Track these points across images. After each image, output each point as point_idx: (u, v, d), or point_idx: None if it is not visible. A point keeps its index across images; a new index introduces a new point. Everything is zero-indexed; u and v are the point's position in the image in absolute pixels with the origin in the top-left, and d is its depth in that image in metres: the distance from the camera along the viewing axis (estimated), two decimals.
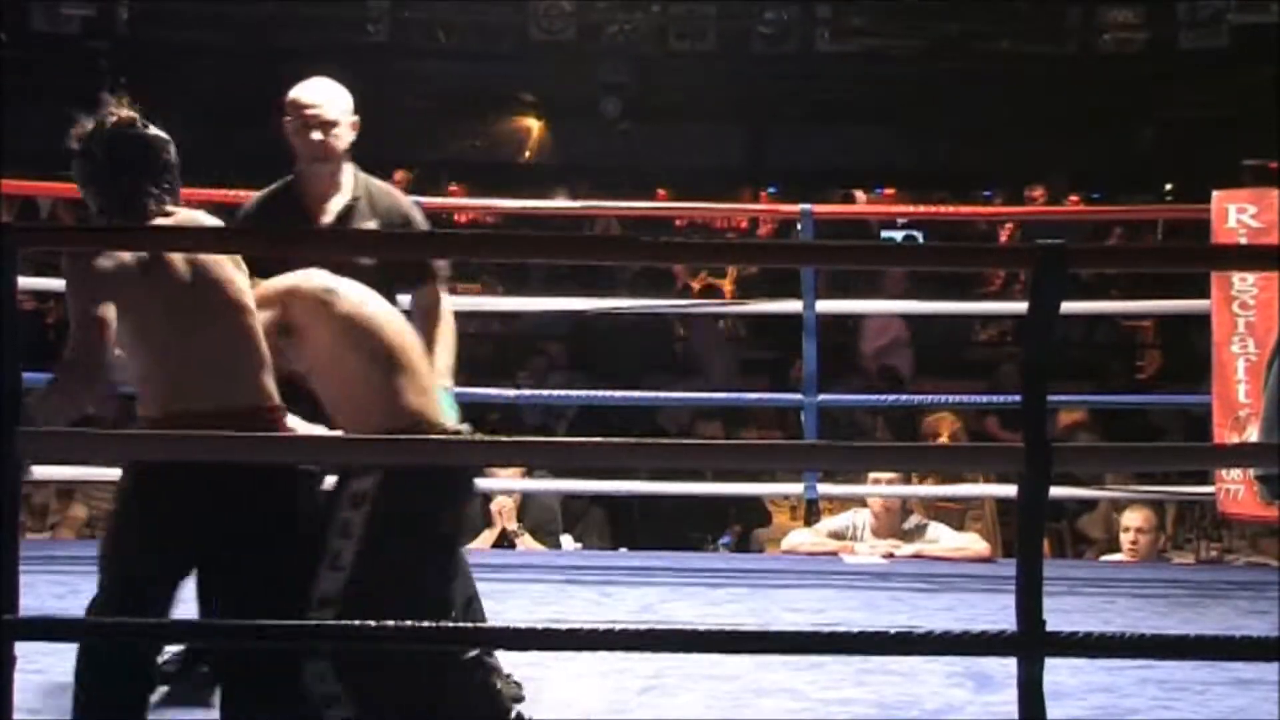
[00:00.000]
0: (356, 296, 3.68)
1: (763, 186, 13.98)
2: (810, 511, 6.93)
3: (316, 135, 4.40)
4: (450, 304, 4.54)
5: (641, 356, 9.53)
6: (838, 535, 6.68)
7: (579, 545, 7.44)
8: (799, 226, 6.93)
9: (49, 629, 3.47)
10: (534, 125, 14.47)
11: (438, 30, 12.00)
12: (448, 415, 4.03)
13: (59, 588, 5.53)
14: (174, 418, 3.47)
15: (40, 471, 6.08)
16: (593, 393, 7.81)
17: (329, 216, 4.43)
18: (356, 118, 4.48)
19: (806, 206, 6.88)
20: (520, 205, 8.45)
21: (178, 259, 3.53)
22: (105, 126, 3.65)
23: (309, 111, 4.41)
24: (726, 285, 11.34)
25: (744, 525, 7.87)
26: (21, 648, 3.09)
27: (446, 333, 4.47)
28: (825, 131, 13.45)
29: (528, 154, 14.52)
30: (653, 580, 6.12)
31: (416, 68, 12.41)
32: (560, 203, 9.86)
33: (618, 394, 7.42)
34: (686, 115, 13.52)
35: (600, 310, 7.82)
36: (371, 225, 4.44)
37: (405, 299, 4.38)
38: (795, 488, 6.95)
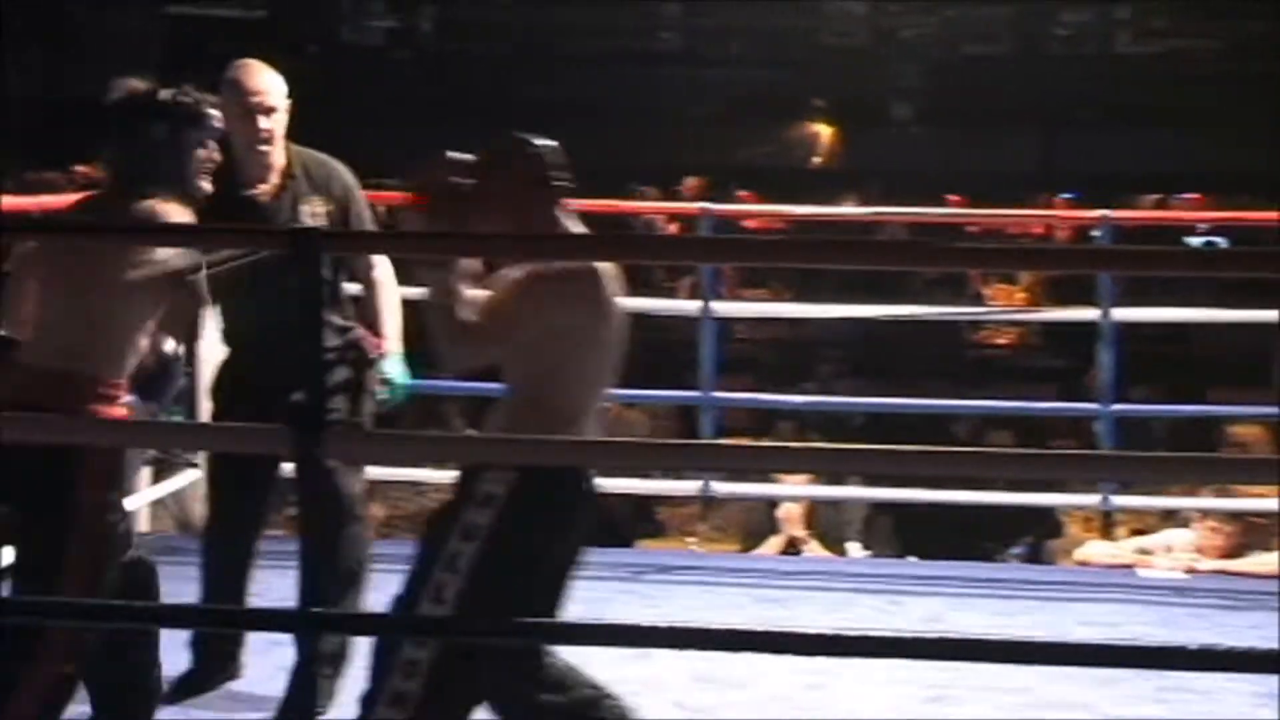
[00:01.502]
0: None
1: (1058, 191, 13.72)
2: (1106, 523, 6.78)
3: (262, 120, 4.45)
4: (390, 269, 4.61)
5: (933, 363, 9.44)
6: (1146, 551, 6.50)
7: (867, 553, 7.39)
8: (1097, 233, 6.79)
9: (351, 623, 3.57)
10: (824, 131, 14.44)
11: (729, 36, 12.05)
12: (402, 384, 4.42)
13: None
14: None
15: None
16: (881, 400, 7.75)
17: (265, 196, 4.49)
18: (290, 100, 4.52)
19: (1106, 212, 6.74)
20: (809, 211, 8.42)
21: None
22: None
23: (253, 99, 4.45)
24: (1020, 292, 11.16)
25: (1036, 535, 7.73)
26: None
27: (390, 299, 4.58)
28: (1124, 134, 13.14)
29: (818, 159, 14.50)
30: (941, 589, 6.05)
31: (707, 74, 12.49)
32: (849, 209, 9.81)
33: (906, 401, 7.36)
34: (979, 119, 13.35)
35: (890, 317, 7.76)
36: (314, 200, 4.50)
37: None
38: (1091, 499, 6.81)
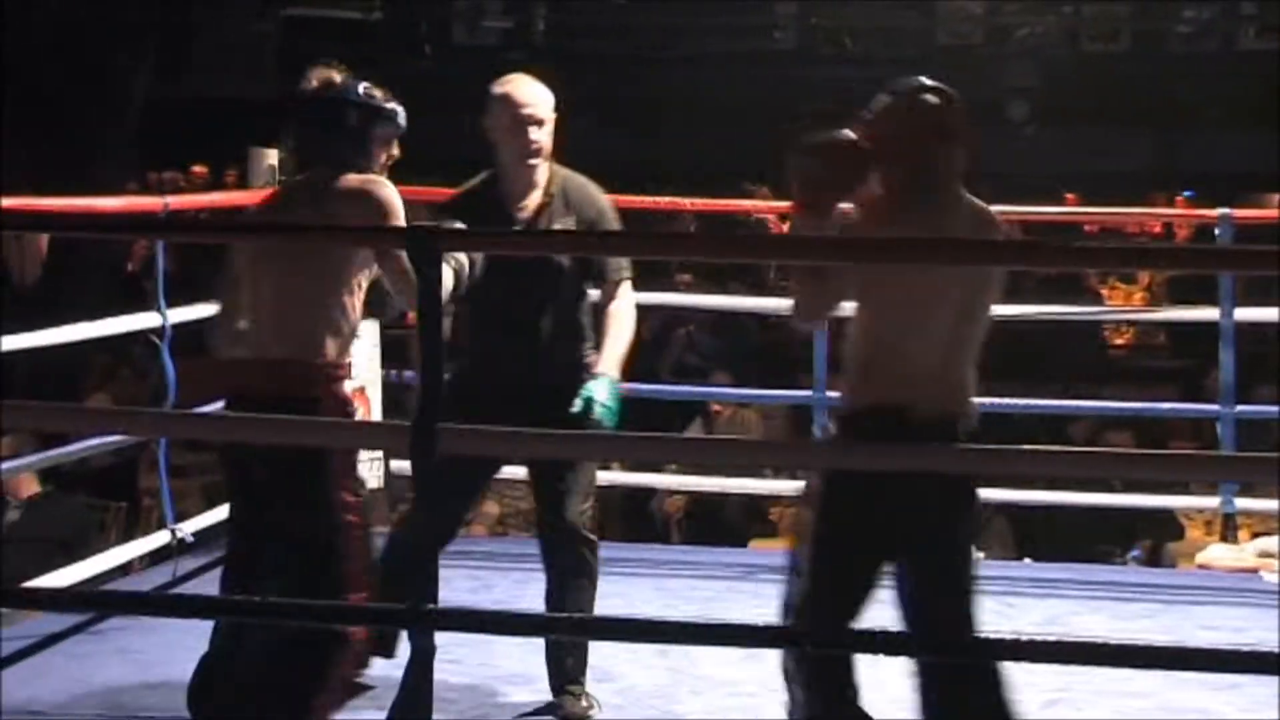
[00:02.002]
0: None
1: (1177, 191, 13.53)
2: (1227, 526, 6.66)
3: (533, 133, 4.46)
4: (630, 301, 4.57)
5: (1049, 364, 9.34)
6: (1268, 554, 6.39)
7: (981, 555, 7.31)
8: (1217, 232, 6.68)
9: (466, 621, 3.58)
10: None
11: (844, 35, 12.00)
12: (604, 405, 4.31)
13: (472, 582, 5.73)
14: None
15: None
16: (996, 400, 7.65)
17: (526, 212, 4.50)
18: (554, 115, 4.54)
19: (1225, 211, 6.63)
20: None
21: None
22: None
23: (525, 110, 4.47)
24: (1139, 292, 11.02)
25: (1155, 538, 7.62)
26: (439, 639, 3.19)
27: (619, 328, 4.52)
28: (1246, 133, 12.93)
29: None
30: (1059, 592, 5.98)
31: (821, 73, 12.44)
32: None
33: (1022, 401, 7.27)
34: (1096, 118, 13.19)
35: (1005, 317, 7.65)
36: (568, 221, 4.49)
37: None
38: (1211, 501, 6.70)
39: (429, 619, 3.10)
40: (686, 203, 7.22)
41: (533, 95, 4.51)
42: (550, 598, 4.52)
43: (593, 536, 4.58)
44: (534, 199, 4.50)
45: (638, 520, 8.08)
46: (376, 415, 6.32)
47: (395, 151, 4.03)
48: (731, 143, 13.01)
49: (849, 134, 3.47)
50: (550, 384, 4.43)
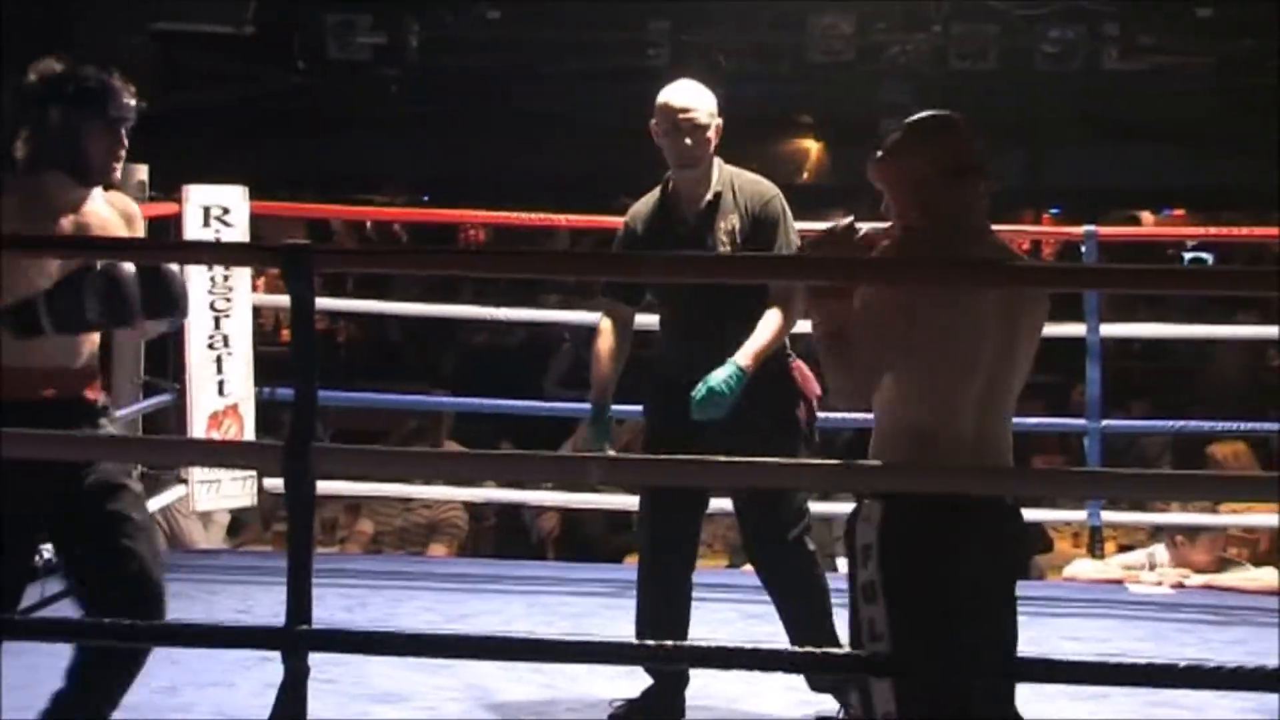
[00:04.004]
0: None
1: (1044, 208, 13.73)
2: (1094, 539, 6.77)
3: (687, 141, 4.54)
4: (790, 304, 4.56)
5: None
6: (1131, 567, 6.52)
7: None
8: (1082, 249, 6.81)
9: (339, 641, 3.56)
10: (812, 147, 14.44)
11: (717, 53, 12.05)
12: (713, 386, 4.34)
13: (347, 600, 5.70)
14: None
15: (330, 487, 6.27)
16: (868, 415, 7.73)
17: (695, 211, 4.60)
18: (720, 121, 4.59)
19: (1090, 228, 6.75)
20: (799, 227, 8.41)
21: None
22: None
23: (680, 116, 4.54)
24: None
25: (1024, 551, 7.72)
26: (312, 658, 3.17)
27: (769, 325, 4.52)
28: (1110, 151, 13.17)
29: (805, 175, 14.50)
30: None
31: None
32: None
33: None
34: None
35: None
36: (734, 218, 4.57)
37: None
38: (1078, 514, 6.81)
39: (302, 639, 3.08)
40: (561, 219, 7.22)
41: (688, 99, 4.57)
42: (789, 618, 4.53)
43: (811, 548, 4.61)
44: (703, 198, 4.57)
45: (512, 537, 8.07)
46: (249, 433, 6.28)
47: (121, 142, 3.73)
48: (604, 158, 13.02)
49: (848, 221, 3.32)
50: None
